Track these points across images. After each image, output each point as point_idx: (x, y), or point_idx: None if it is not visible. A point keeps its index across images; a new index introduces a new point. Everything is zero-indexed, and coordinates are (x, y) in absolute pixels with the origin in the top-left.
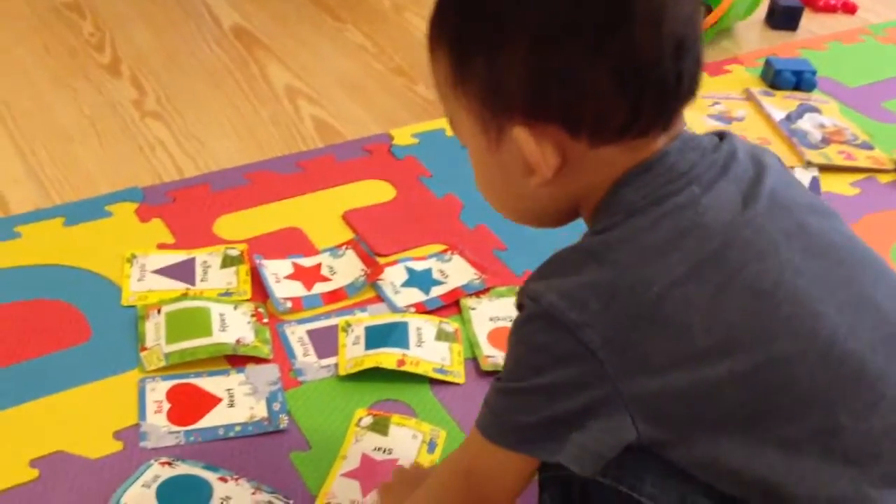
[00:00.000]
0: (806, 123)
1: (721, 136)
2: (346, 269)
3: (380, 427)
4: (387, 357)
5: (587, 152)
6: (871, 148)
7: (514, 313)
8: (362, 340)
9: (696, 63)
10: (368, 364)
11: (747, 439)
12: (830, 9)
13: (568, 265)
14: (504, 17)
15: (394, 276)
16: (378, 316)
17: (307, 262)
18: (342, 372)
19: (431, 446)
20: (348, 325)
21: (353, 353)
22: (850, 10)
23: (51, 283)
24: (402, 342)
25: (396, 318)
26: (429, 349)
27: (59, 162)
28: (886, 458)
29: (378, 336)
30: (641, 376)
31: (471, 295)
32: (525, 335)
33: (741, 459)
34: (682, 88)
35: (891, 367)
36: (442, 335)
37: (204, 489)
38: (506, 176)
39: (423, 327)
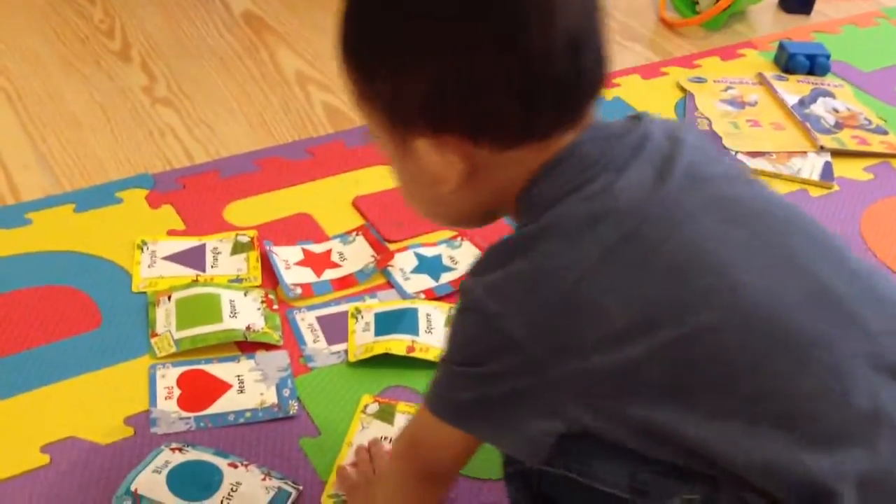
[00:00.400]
0: (819, 108)
1: (637, 117)
2: (356, 255)
3: (385, 415)
4: (396, 343)
5: (493, 157)
6: (885, 133)
7: None
8: (372, 327)
9: (596, 59)
10: (378, 350)
11: (678, 412)
12: None
13: (495, 260)
14: (397, 35)
15: (403, 262)
16: (388, 302)
17: (317, 248)
18: (352, 358)
19: None
20: (358, 311)
21: (363, 340)
22: None
23: (61, 269)
24: (412, 328)
25: (406, 304)
26: (438, 335)
27: (70, 148)
28: (819, 417)
29: (388, 322)
30: (566, 361)
31: None
32: (459, 326)
33: (675, 432)
34: (581, 86)
35: (818, 326)
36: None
37: (214, 475)
38: (419, 184)
39: (432, 313)
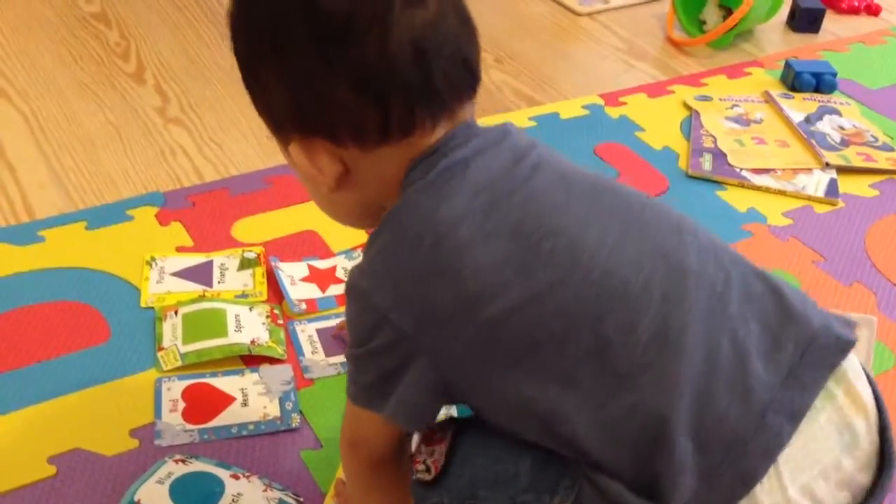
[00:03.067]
0: (825, 125)
1: (504, 125)
2: None
3: None
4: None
5: (362, 157)
6: (891, 150)
7: None
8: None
9: (452, 60)
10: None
11: (531, 374)
12: (853, 10)
13: (369, 242)
14: (250, 47)
15: None
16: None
17: (322, 264)
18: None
19: None
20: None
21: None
22: (874, 11)
23: (72, 285)
24: None
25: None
26: None
27: (84, 168)
28: (655, 367)
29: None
30: (432, 327)
31: None
32: (346, 311)
33: (533, 402)
34: (437, 91)
35: (654, 278)
36: None
37: (216, 486)
38: (308, 185)
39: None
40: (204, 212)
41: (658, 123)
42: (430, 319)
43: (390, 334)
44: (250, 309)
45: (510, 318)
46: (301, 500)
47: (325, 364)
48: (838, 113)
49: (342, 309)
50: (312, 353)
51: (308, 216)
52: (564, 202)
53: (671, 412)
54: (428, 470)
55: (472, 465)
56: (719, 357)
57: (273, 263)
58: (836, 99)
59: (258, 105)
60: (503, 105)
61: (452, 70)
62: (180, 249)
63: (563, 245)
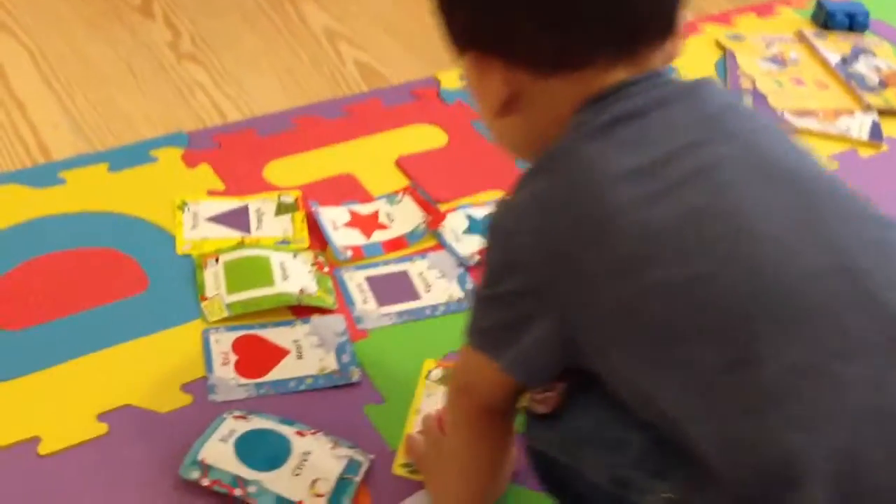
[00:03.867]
0: (862, 66)
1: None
2: (405, 216)
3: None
4: None
5: (534, 84)
6: None
7: None
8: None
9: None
10: None
11: (658, 367)
12: None
13: (521, 181)
14: None
15: (454, 223)
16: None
17: (364, 209)
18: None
19: None
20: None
21: None
22: None
23: (101, 230)
24: None
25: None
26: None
27: (98, 107)
28: (806, 398)
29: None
30: (569, 285)
31: None
32: (485, 252)
33: (651, 390)
34: (619, 23)
35: (829, 293)
36: None
37: (283, 444)
38: (481, 106)
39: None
40: (232, 153)
41: (692, 64)
42: (568, 277)
43: (523, 282)
44: (294, 256)
45: (655, 297)
46: (371, 457)
47: (379, 314)
48: (873, 53)
49: (389, 256)
50: (364, 302)
51: (343, 159)
52: (746, 181)
53: (807, 452)
54: (544, 402)
55: (586, 417)
56: (886, 401)
57: (313, 208)
58: (868, 39)
59: (442, 7)
60: None
61: (645, 9)
62: (212, 193)
63: (739, 235)
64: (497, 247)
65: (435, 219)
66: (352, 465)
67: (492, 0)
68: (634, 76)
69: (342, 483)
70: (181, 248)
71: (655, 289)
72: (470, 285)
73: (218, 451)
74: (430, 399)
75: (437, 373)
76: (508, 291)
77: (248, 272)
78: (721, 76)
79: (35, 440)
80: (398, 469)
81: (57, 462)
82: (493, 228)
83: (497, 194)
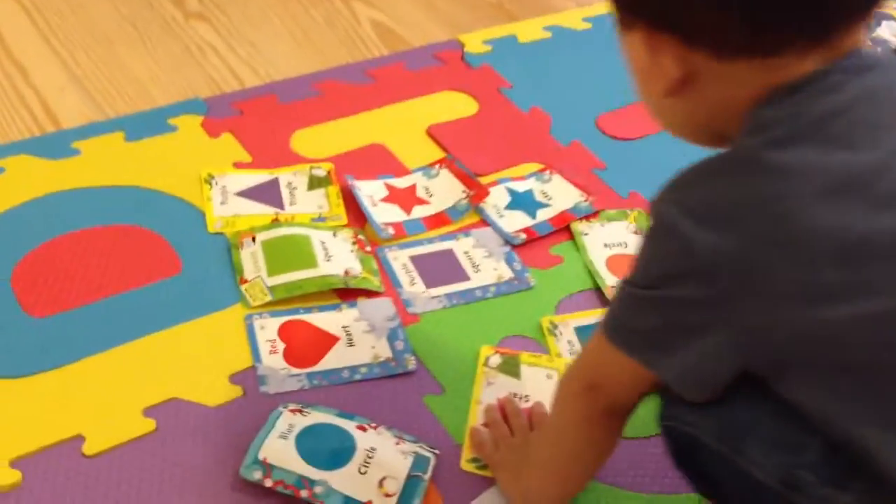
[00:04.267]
0: (884, 31)
1: None
2: (444, 190)
3: (510, 368)
4: None
5: (713, 66)
6: None
7: (628, 239)
8: (578, 347)
9: None
10: None
11: (856, 401)
12: None
13: (696, 178)
14: None
15: (496, 198)
16: (580, 314)
17: (400, 182)
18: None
19: None
20: (554, 326)
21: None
22: None
23: (125, 206)
24: None
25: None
26: None
27: (105, 69)
28: None
29: None
30: (756, 302)
31: (581, 219)
32: (647, 246)
33: (835, 407)
34: (826, 5)
35: None
36: None
37: (346, 440)
38: (643, 84)
39: None
40: (255, 122)
41: None
42: (757, 294)
43: (697, 291)
44: (334, 234)
45: (863, 328)
46: (437, 452)
47: (428, 297)
48: (894, 20)
49: (432, 233)
50: (411, 284)
51: (371, 127)
52: None
53: None
54: None
55: (754, 409)
56: None
57: (350, 182)
58: (889, 4)
59: None
60: (552, 6)
61: None
62: (238, 165)
63: None
64: (667, 248)
65: (478, 193)
66: (419, 462)
67: None
68: (830, 64)
69: (411, 482)
70: (213, 226)
71: (865, 320)
72: (518, 263)
73: (279, 449)
74: (491, 388)
75: (496, 359)
76: (678, 298)
77: (289, 252)
78: None
79: (79, 439)
80: (466, 465)
81: (104, 463)
82: (664, 227)
83: (534, 167)
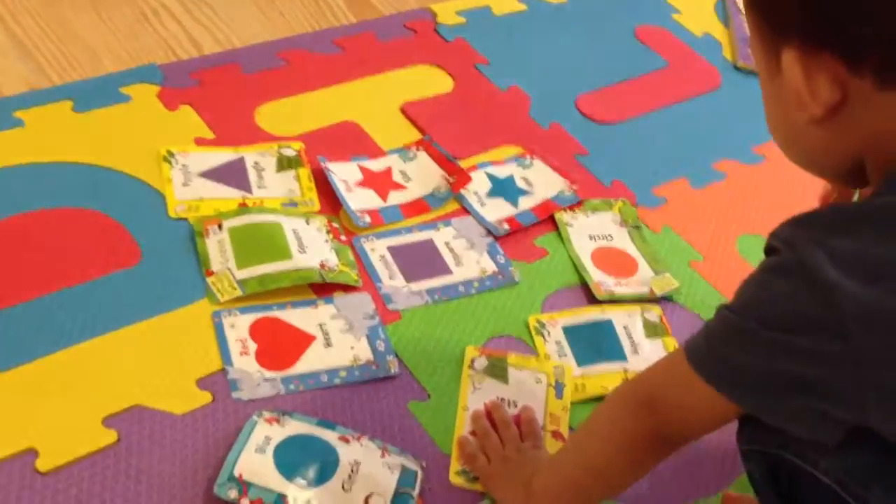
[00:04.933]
0: None
1: None
2: (421, 174)
3: (497, 371)
4: (610, 377)
5: (873, 94)
6: None
7: (613, 231)
8: (567, 349)
9: None
10: (592, 392)
11: None
12: None
13: (839, 222)
14: None
15: (476, 184)
16: (568, 312)
17: (375, 165)
18: (570, 397)
19: (559, 389)
20: (542, 325)
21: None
22: None
23: (74, 185)
24: (617, 351)
25: (592, 312)
26: (647, 353)
27: (50, 31)
28: None
29: (585, 343)
30: (890, 366)
31: (564, 209)
32: (771, 281)
33: None
34: None
35: None
36: (650, 329)
37: (329, 453)
38: (780, 108)
39: (629, 325)
40: (215, 93)
41: (693, 4)
42: (890, 356)
43: (829, 345)
44: (307, 222)
45: None
46: (423, 464)
47: (408, 292)
48: None
49: (410, 222)
50: (390, 277)
51: (342, 103)
52: None
53: None
54: None
55: (877, 454)
56: None
57: (323, 164)
58: None
59: (756, 3)
60: None
61: None
62: (199, 142)
63: None
64: (805, 292)
65: (460, 180)
66: (406, 476)
67: None
68: None
69: (399, 499)
70: (174, 210)
71: None
72: (502, 257)
73: (256, 464)
74: (478, 393)
75: (482, 362)
76: (801, 348)
77: (260, 242)
78: (721, 18)
79: (31, 453)
80: (454, 478)
81: (61, 479)
82: (803, 269)
83: (514, 150)
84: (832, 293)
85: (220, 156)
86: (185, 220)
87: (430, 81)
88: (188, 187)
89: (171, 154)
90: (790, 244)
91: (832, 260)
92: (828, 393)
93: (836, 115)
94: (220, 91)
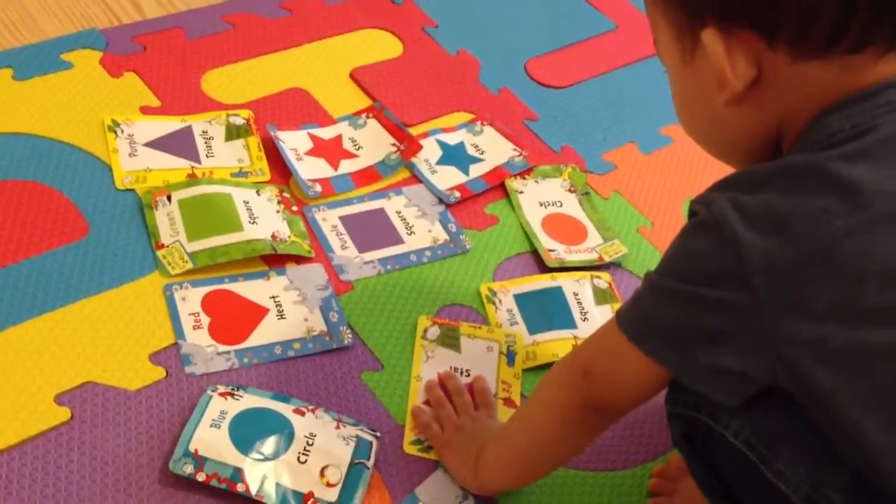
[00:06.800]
0: None
1: None
2: (372, 142)
3: (449, 340)
4: (560, 344)
5: (787, 67)
6: None
7: (563, 197)
8: (518, 317)
9: None
10: (543, 358)
11: (889, 429)
12: None
13: (751, 181)
14: None
15: (426, 151)
16: (519, 280)
17: (325, 133)
18: (521, 364)
19: (510, 357)
20: (493, 293)
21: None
22: None
23: (17, 157)
24: (567, 319)
25: (543, 280)
26: (596, 320)
27: None
28: None
29: (535, 311)
30: (793, 318)
31: (515, 176)
32: (688, 239)
33: (876, 446)
34: None
35: None
36: (599, 295)
37: (283, 425)
38: (698, 93)
39: (579, 292)
40: (160, 59)
41: None
42: (795, 309)
43: (734, 295)
44: (258, 193)
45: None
46: (378, 434)
47: (360, 262)
48: None
49: (363, 191)
50: (343, 248)
51: (291, 69)
52: None
53: None
54: None
55: (784, 418)
56: None
57: (272, 133)
58: None
59: None
60: None
61: None
62: (145, 111)
63: None
64: (714, 244)
65: (410, 147)
66: (361, 447)
67: None
68: None
69: (355, 469)
70: (121, 182)
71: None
72: (453, 225)
73: (211, 439)
74: (431, 363)
75: (434, 331)
76: (712, 298)
77: (210, 214)
78: None
79: None
80: (409, 447)
81: (14, 458)
82: (713, 222)
83: (464, 117)
84: (739, 245)
85: (167, 125)
86: (133, 191)
87: (378, 46)
88: (135, 158)
89: (117, 123)
90: (707, 204)
91: (742, 215)
92: (736, 346)
93: (752, 92)
94: (165, 57)
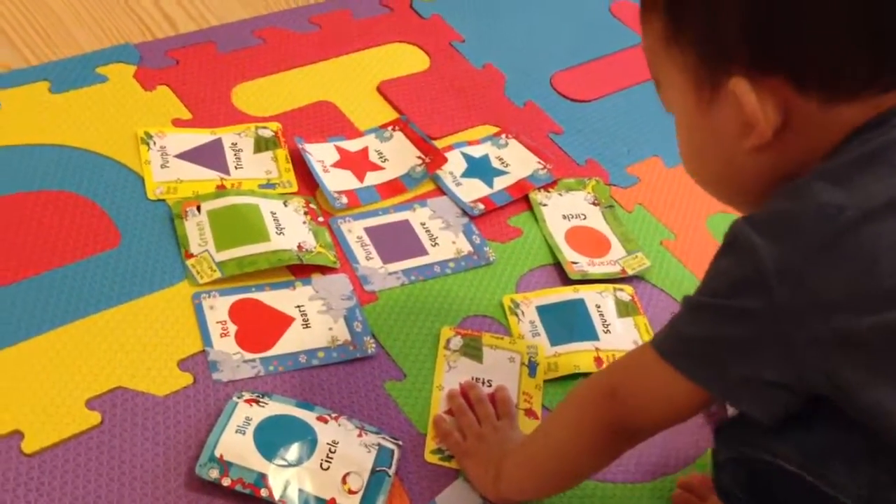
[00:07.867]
0: None
1: None
2: (398, 154)
3: (471, 350)
4: (582, 357)
5: (815, 113)
6: None
7: (586, 210)
8: (541, 329)
9: None
10: (564, 370)
11: None
12: None
13: (770, 202)
14: None
15: (451, 164)
16: (542, 292)
17: (351, 145)
18: (542, 375)
19: (532, 368)
20: (516, 305)
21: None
22: None
23: (52, 168)
24: (589, 331)
25: (565, 292)
26: (618, 333)
27: (24, 9)
28: None
29: (558, 323)
30: (815, 315)
31: (539, 188)
32: (716, 260)
33: None
34: None
35: None
36: (622, 308)
37: (307, 432)
38: (717, 139)
39: (601, 304)
40: (192, 73)
41: None
42: (815, 304)
43: (757, 302)
44: (285, 204)
45: None
46: (400, 443)
47: (385, 273)
48: None
49: (387, 202)
50: (367, 258)
51: (319, 83)
52: None
53: None
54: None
55: (833, 429)
56: None
57: (300, 145)
58: None
59: (684, 33)
60: None
61: None
62: (177, 123)
63: None
64: (735, 258)
65: (435, 160)
66: (383, 455)
67: (802, 3)
68: None
69: (376, 477)
70: (153, 193)
71: None
72: (477, 237)
73: (237, 445)
74: (453, 372)
75: (457, 342)
76: (736, 308)
77: (238, 224)
78: None
79: (16, 435)
80: (430, 456)
81: (46, 461)
82: (735, 240)
83: (489, 130)
84: (756, 254)
85: (198, 137)
86: (164, 202)
87: (405, 60)
88: (166, 169)
89: (149, 135)
90: (730, 227)
91: (755, 227)
92: (764, 354)
93: (776, 138)
94: (197, 71)
